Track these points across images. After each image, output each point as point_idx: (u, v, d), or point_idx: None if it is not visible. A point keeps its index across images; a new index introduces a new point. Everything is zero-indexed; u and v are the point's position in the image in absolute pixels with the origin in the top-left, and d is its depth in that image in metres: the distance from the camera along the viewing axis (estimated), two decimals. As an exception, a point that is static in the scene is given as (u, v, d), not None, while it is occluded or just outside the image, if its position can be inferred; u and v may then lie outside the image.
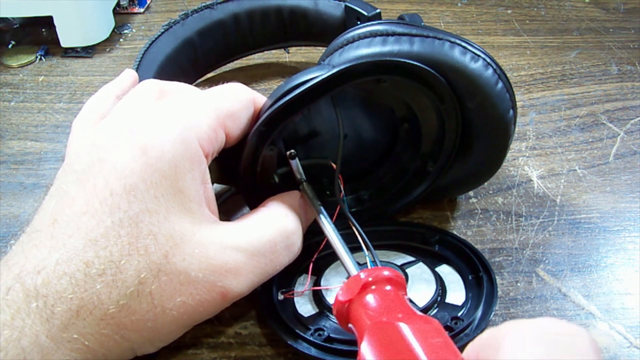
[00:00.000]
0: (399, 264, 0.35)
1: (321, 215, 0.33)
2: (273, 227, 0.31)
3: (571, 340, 0.20)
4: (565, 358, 0.20)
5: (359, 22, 0.45)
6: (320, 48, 0.54)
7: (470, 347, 0.22)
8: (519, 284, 0.35)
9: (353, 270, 0.30)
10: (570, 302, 0.34)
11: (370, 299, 0.27)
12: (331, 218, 0.33)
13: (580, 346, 0.20)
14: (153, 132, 0.29)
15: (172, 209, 0.28)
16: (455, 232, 0.38)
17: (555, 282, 0.35)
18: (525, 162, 0.44)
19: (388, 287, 0.28)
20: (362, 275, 0.28)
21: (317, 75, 0.30)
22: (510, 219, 0.39)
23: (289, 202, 0.33)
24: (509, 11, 0.64)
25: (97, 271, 0.26)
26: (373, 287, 0.27)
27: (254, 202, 0.34)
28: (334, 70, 0.30)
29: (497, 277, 0.34)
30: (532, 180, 0.42)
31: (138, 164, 0.28)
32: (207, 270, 0.28)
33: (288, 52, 0.55)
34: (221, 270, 0.28)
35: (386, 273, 0.28)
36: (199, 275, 0.28)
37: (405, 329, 0.24)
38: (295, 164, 0.34)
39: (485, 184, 0.41)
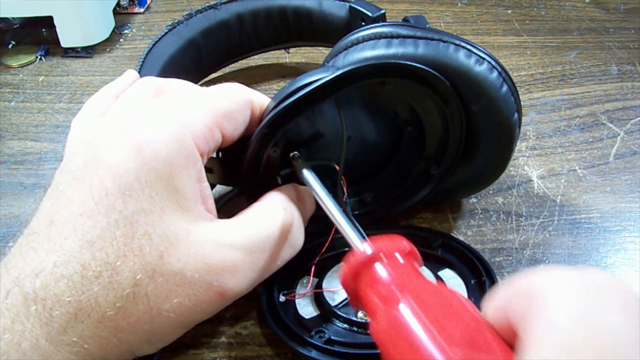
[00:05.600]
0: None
1: (313, 181, 0.32)
2: (270, 221, 0.30)
3: (611, 290, 0.19)
4: (608, 309, 0.19)
5: (363, 23, 0.45)
6: (322, 48, 0.54)
7: (496, 303, 0.21)
8: (520, 285, 0.35)
9: (355, 239, 0.28)
10: (572, 302, 0.34)
11: (380, 272, 0.25)
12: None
13: (621, 296, 0.19)
14: (148, 129, 0.28)
15: (168, 207, 0.27)
16: (455, 232, 0.38)
17: (556, 283, 0.35)
18: (525, 162, 0.44)
19: (401, 260, 0.26)
20: (368, 248, 0.26)
21: (322, 77, 0.30)
22: (510, 219, 0.40)
23: (287, 194, 0.32)
24: (509, 11, 0.64)
25: (94, 273, 0.26)
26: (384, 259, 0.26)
27: None
28: (338, 72, 0.30)
29: (497, 278, 0.34)
30: (532, 180, 0.43)
31: (133, 163, 0.27)
32: (203, 270, 0.27)
33: (288, 53, 0.55)
34: (217, 269, 0.28)
35: (403, 243, 0.26)
36: (195, 275, 0.27)
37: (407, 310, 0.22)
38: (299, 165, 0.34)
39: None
